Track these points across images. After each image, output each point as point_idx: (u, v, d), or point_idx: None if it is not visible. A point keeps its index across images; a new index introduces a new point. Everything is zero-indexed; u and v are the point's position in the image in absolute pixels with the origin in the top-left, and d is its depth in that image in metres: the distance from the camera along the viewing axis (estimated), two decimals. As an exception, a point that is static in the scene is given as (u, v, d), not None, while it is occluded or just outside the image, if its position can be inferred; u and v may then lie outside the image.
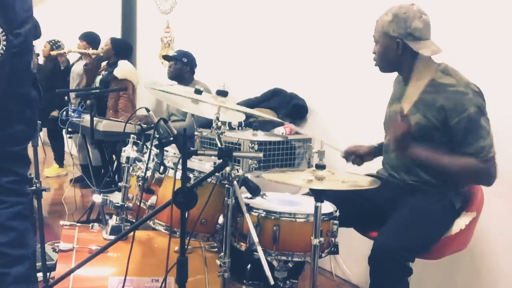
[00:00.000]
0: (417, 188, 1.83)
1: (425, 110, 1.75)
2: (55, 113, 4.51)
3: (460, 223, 1.78)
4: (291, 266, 1.67)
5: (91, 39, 4.53)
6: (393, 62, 1.84)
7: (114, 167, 3.38)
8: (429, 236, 1.72)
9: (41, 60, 4.89)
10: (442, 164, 1.72)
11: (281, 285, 1.68)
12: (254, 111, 1.95)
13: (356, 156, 2.03)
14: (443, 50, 1.80)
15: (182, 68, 3.52)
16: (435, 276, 2.29)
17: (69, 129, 3.33)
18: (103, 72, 4.20)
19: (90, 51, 4.28)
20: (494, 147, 1.70)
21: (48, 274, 1.82)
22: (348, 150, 2.04)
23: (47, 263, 1.90)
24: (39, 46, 4.90)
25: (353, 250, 2.52)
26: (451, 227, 1.77)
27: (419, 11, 1.78)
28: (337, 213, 1.69)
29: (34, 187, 1.69)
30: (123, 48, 4.25)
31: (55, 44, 4.70)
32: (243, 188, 1.64)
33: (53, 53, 4.50)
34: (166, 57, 3.67)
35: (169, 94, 1.73)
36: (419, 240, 1.68)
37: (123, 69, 4.00)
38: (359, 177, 1.70)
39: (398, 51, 1.79)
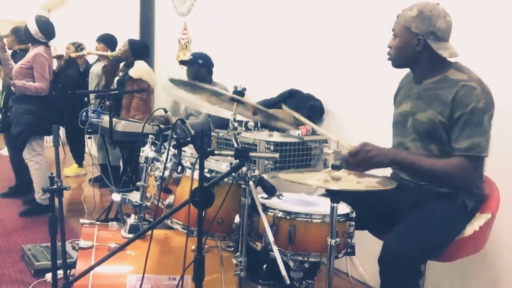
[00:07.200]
0: (430, 190, 1.80)
1: (437, 105, 1.73)
2: None
3: (474, 225, 1.74)
4: (307, 266, 1.67)
5: (108, 41, 4.60)
6: (409, 58, 1.81)
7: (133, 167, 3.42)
8: (440, 237, 1.70)
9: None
10: (424, 166, 1.70)
11: (297, 285, 1.69)
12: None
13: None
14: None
15: (199, 70, 3.52)
16: (450, 280, 2.26)
17: (89, 130, 3.38)
18: (120, 73, 4.25)
19: (108, 53, 4.34)
20: (488, 149, 1.66)
21: (68, 271, 1.86)
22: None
23: (67, 260, 1.94)
24: (62, 47, 4.99)
25: (370, 252, 2.50)
26: (464, 229, 1.73)
27: (444, 11, 1.76)
28: (354, 214, 1.69)
29: (55, 186, 1.71)
30: (140, 49, 4.30)
31: (79, 47, 4.79)
32: (259, 188, 1.65)
33: (73, 55, 4.59)
34: (182, 62, 3.69)
35: (186, 95, 1.74)
36: (429, 242, 1.65)
37: (138, 68, 4.04)
38: (375, 179, 1.70)
39: (417, 48, 1.76)
